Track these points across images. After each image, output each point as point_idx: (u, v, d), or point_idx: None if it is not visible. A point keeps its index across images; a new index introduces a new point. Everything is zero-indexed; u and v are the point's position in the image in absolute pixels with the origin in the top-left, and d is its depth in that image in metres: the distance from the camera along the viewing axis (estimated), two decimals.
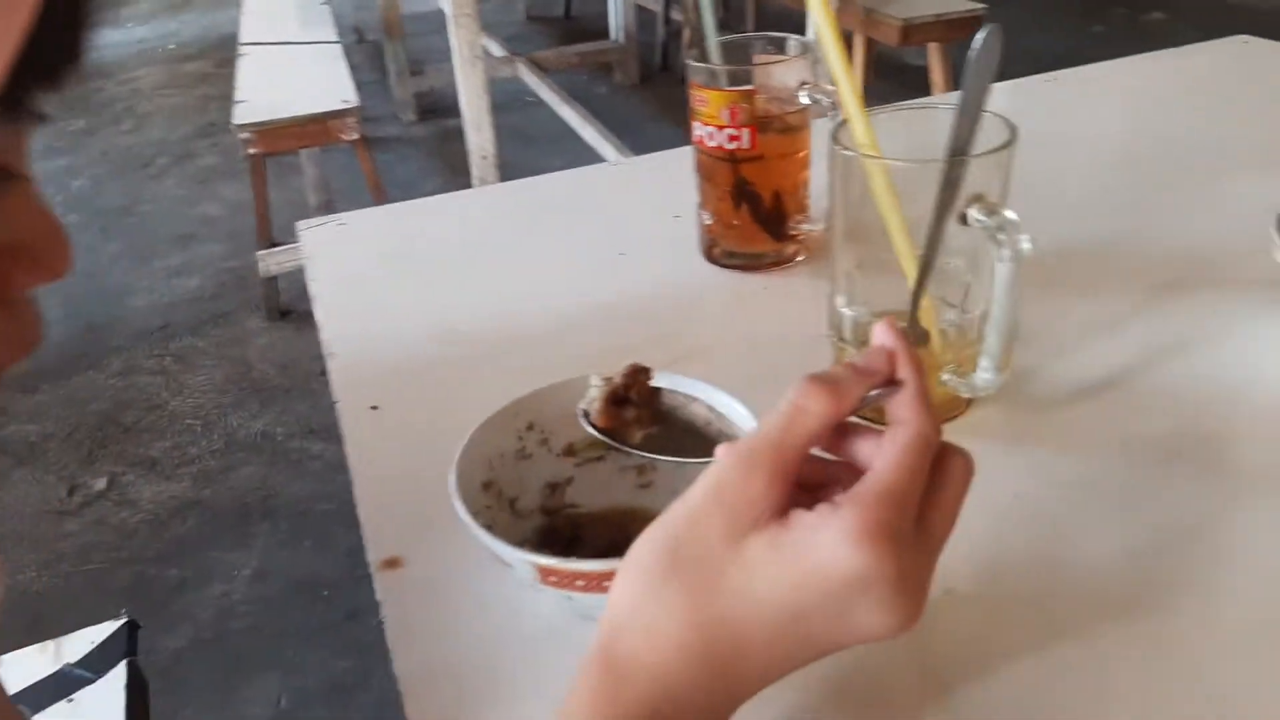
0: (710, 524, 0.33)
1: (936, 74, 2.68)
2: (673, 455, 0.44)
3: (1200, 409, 0.58)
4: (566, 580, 0.41)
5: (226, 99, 2.50)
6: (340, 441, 0.61)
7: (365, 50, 4.71)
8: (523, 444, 0.51)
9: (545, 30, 4.89)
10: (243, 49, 2.83)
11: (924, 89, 2.82)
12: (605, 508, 0.52)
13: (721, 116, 0.70)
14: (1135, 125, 1.01)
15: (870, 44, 2.71)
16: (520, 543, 0.43)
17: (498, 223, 0.89)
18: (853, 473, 0.36)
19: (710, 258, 0.78)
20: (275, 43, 2.90)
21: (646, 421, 0.45)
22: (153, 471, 2.02)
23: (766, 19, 4.07)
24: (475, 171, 2.23)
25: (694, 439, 0.45)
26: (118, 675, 0.89)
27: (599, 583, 0.40)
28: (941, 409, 0.58)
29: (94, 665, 0.90)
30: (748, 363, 0.66)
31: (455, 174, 3.17)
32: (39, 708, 0.87)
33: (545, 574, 0.41)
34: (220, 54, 4.74)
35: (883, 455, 0.34)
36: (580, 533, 0.51)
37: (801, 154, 0.74)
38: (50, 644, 0.92)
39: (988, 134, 0.50)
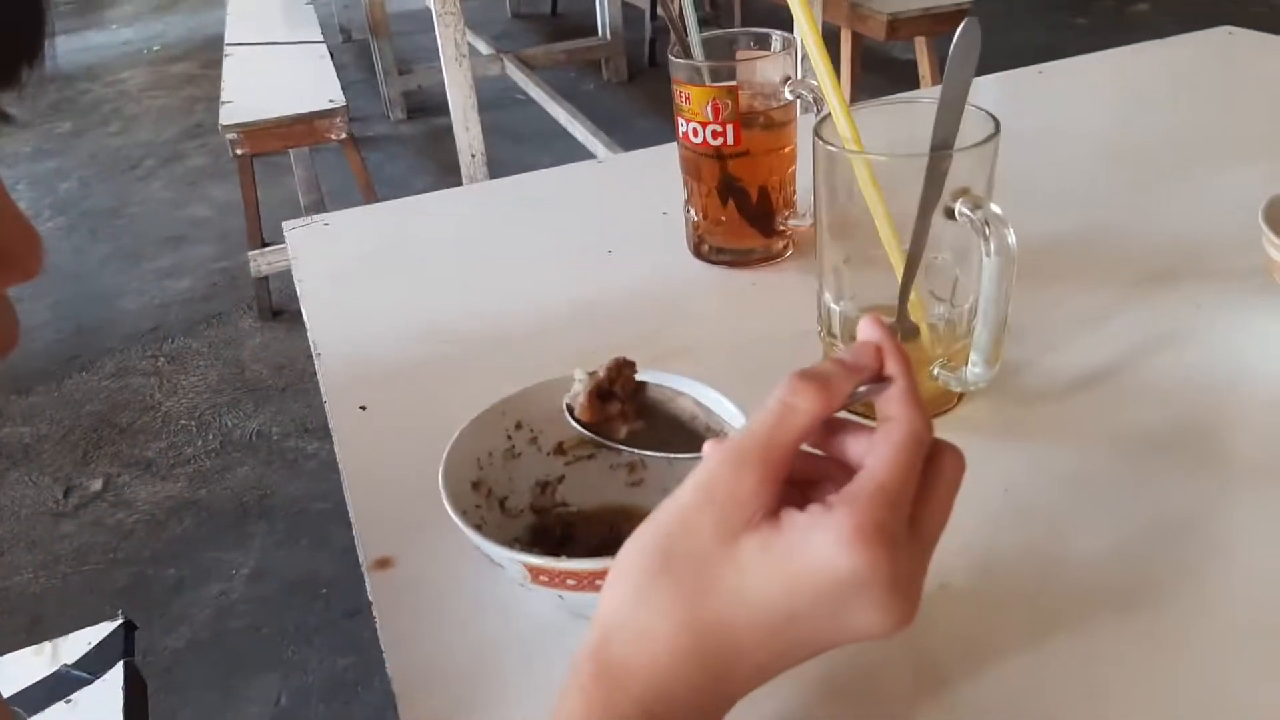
0: (701, 524, 0.33)
1: (924, 68, 2.68)
2: (659, 450, 0.44)
3: (1190, 401, 0.59)
4: (557, 579, 0.41)
5: (213, 100, 2.49)
6: (334, 445, 0.62)
7: (353, 50, 4.70)
8: (512, 443, 0.51)
9: (532, 28, 4.88)
10: (228, 50, 2.82)
11: (912, 83, 2.82)
12: (596, 506, 0.52)
13: (705, 113, 0.71)
14: (1121, 117, 1.02)
15: (857, 38, 2.71)
16: (511, 542, 0.43)
17: (485, 221, 0.89)
18: (843, 469, 0.36)
19: (698, 254, 0.79)
20: (261, 43, 2.89)
21: (631, 416, 0.45)
22: (148, 472, 2.02)
23: (754, 15, 4.07)
24: (465, 170, 2.23)
25: (680, 434, 0.45)
26: (115, 676, 0.89)
27: (590, 581, 0.41)
28: (931, 403, 0.58)
29: (91, 666, 0.90)
30: (737, 359, 0.66)
31: (445, 172, 3.16)
32: (36, 709, 0.87)
33: (536, 573, 0.41)
34: (206, 55, 4.73)
35: (875, 454, 0.34)
36: (571, 531, 0.51)
37: (787, 149, 0.74)
38: (47, 645, 0.92)
39: (972, 128, 0.51)
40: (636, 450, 0.44)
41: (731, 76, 0.70)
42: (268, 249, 2.38)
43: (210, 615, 1.66)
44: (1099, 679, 0.42)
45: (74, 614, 1.66)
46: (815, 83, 0.70)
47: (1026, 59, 1.11)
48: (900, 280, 0.55)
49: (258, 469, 1.99)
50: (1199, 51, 1.15)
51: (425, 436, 0.51)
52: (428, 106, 3.81)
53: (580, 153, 2.83)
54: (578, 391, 0.45)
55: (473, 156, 2.24)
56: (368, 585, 0.50)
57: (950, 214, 0.50)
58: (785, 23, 0.78)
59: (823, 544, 0.31)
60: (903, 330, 0.56)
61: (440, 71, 2.12)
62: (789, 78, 0.71)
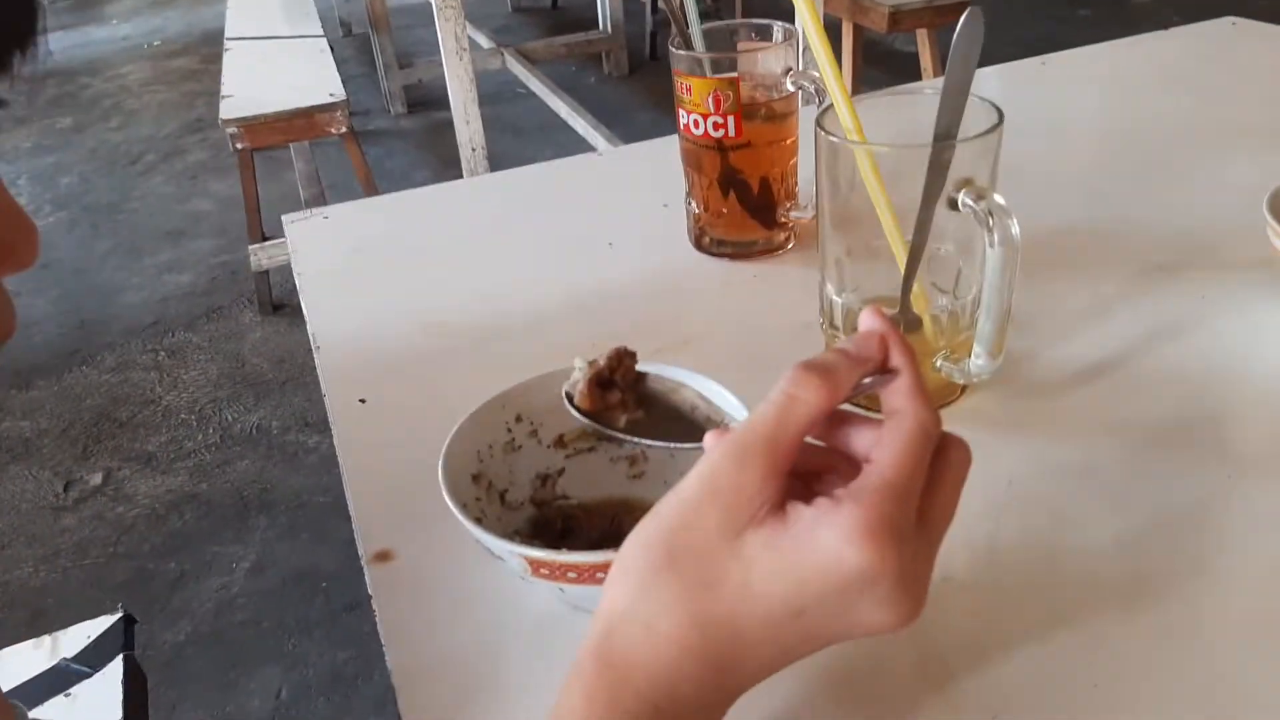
0: (705, 519, 0.33)
1: (926, 60, 2.67)
2: (659, 440, 0.43)
3: (1196, 393, 0.58)
4: (558, 572, 0.41)
5: (213, 95, 2.49)
6: (334, 437, 0.61)
7: (353, 44, 4.69)
8: (512, 436, 0.51)
9: (532, 21, 4.87)
10: (228, 44, 2.81)
11: (913, 76, 2.82)
12: (597, 499, 0.52)
13: (706, 104, 0.70)
14: (1125, 108, 1.01)
15: (858, 31, 2.70)
16: (511, 535, 0.43)
17: (485, 214, 0.89)
18: (848, 461, 0.36)
19: (699, 246, 0.78)
20: (260, 37, 2.88)
21: (631, 406, 0.44)
22: (149, 466, 2.01)
23: (756, 6, 4.06)
24: (465, 164, 2.23)
25: (680, 424, 0.44)
26: (115, 669, 0.89)
27: (591, 574, 0.41)
28: (934, 396, 0.58)
29: (90, 660, 0.90)
30: (738, 351, 0.66)
31: (446, 166, 3.16)
32: (36, 703, 0.87)
33: (536, 566, 0.41)
34: (205, 49, 4.72)
35: (883, 448, 0.33)
36: (572, 524, 0.51)
37: (789, 141, 0.74)
38: (46, 639, 0.92)
39: (975, 118, 0.50)
40: (636, 439, 0.44)
41: (733, 68, 0.70)
42: (268, 243, 2.38)
43: (211, 609, 1.66)
44: (1105, 671, 0.42)
45: (74, 608, 1.66)
46: (817, 74, 0.70)
47: (1029, 50, 1.11)
48: (903, 272, 0.54)
49: (258, 463, 1.99)
50: (1202, 42, 1.15)
51: (425, 429, 0.51)
52: (428, 100, 3.81)
53: (581, 146, 2.82)
54: (577, 379, 0.45)
55: (473, 150, 2.24)
56: (367, 578, 0.50)
57: (953, 205, 0.50)
58: (786, 14, 0.77)
59: (830, 539, 0.31)
60: (905, 322, 0.55)
61: (440, 65, 2.11)
62: (790, 69, 0.71)
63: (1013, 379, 0.60)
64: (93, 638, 0.93)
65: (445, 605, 0.48)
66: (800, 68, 0.71)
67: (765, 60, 0.71)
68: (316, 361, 0.68)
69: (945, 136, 0.49)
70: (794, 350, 0.64)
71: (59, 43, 5.14)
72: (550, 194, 0.92)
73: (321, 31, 2.91)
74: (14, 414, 2.21)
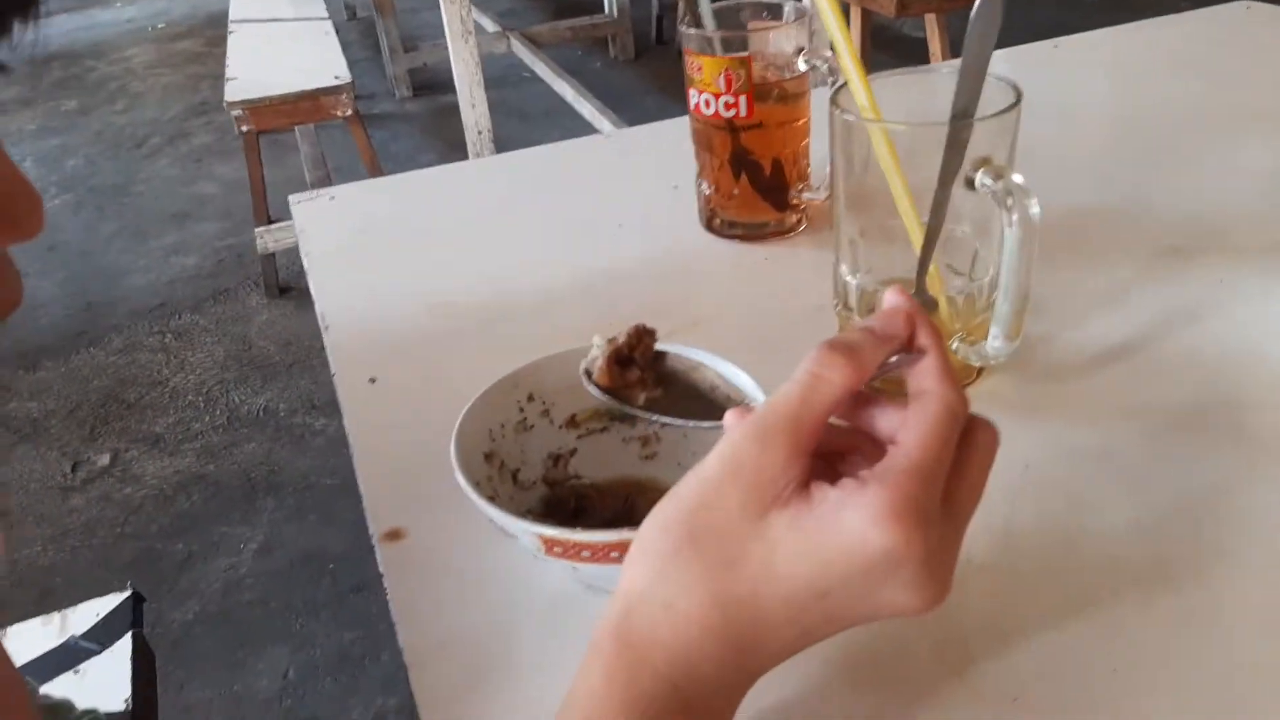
0: (727, 499, 0.32)
1: (935, 45, 2.65)
2: (678, 418, 0.43)
3: (1213, 377, 0.58)
4: (572, 551, 0.41)
5: (218, 77, 2.48)
6: (343, 416, 0.61)
7: (358, 27, 4.68)
8: (524, 415, 0.51)
9: (538, 5, 4.85)
10: (233, 26, 2.80)
11: (922, 61, 2.80)
12: (609, 479, 0.52)
13: (717, 84, 0.70)
14: (1138, 92, 1.00)
15: (866, 15, 2.68)
16: (524, 514, 0.43)
17: (493, 195, 0.88)
18: (872, 441, 0.35)
19: (710, 228, 0.78)
20: (265, 20, 2.87)
21: (650, 384, 0.44)
22: (156, 447, 2.02)
23: None
24: (471, 147, 2.22)
25: (699, 403, 0.44)
26: (123, 647, 0.89)
27: (606, 553, 0.40)
28: None
29: (99, 637, 0.91)
30: (750, 333, 0.65)
31: (451, 150, 3.15)
32: (45, 679, 0.87)
33: (550, 545, 0.41)
34: (210, 32, 4.71)
35: (909, 429, 0.33)
36: (585, 504, 0.51)
37: (801, 122, 0.73)
38: (55, 616, 0.93)
39: (992, 97, 0.50)
40: (655, 416, 0.43)
41: (744, 47, 0.69)
42: (274, 226, 2.37)
43: (218, 589, 1.66)
44: (1123, 656, 0.42)
45: (83, 587, 1.66)
46: (830, 53, 0.69)
47: (1039, 35, 1.10)
48: (918, 253, 0.54)
49: (265, 445, 1.99)
50: (1215, 27, 1.14)
51: (435, 408, 0.51)
52: (434, 84, 3.79)
53: (586, 130, 2.81)
54: (596, 356, 0.44)
55: (479, 134, 2.23)
56: (378, 556, 0.50)
57: (970, 184, 0.50)
58: None
59: (855, 521, 0.31)
60: (921, 304, 0.55)
61: (445, 49, 2.10)
62: (802, 48, 0.70)
63: (1029, 362, 0.59)
64: (101, 615, 0.93)
65: (456, 584, 0.48)
66: (812, 47, 0.70)
67: (777, 39, 0.70)
68: (325, 341, 0.68)
69: (963, 115, 0.48)
70: (805, 333, 0.64)
71: (64, 25, 5.12)
72: (558, 175, 0.91)
73: (326, 14, 2.90)
74: (21, 395, 2.21)
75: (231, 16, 2.91)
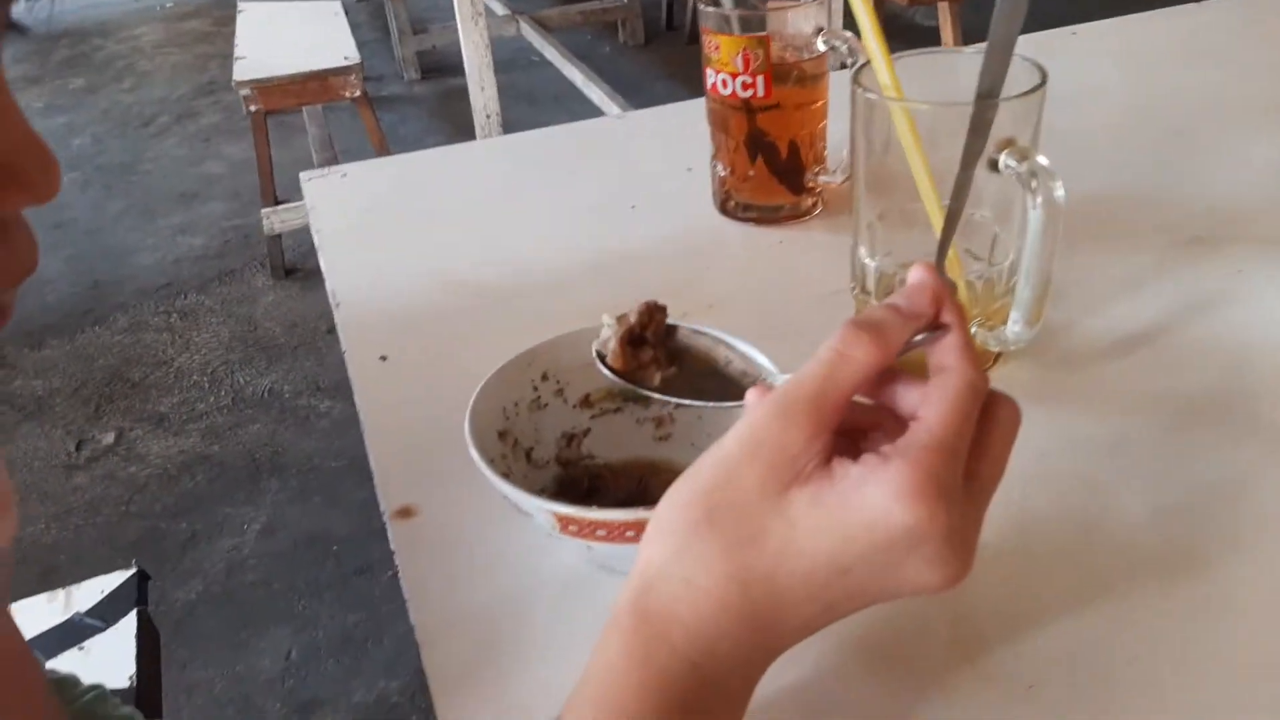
0: (747, 476, 0.32)
1: (947, 34, 2.63)
2: (693, 398, 0.42)
3: (1232, 366, 0.57)
4: (587, 530, 0.40)
5: (225, 57, 2.48)
6: (349, 399, 0.61)
7: (366, 9, 4.66)
8: (538, 394, 0.50)
9: None
10: (241, 6, 2.79)
11: None
12: (623, 459, 0.51)
13: (735, 64, 0.69)
14: (1157, 80, 0.99)
15: (879, 3, 2.66)
16: (538, 492, 0.42)
17: (504, 175, 0.88)
18: (894, 418, 0.35)
19: (725, 211, 0.77)
20: None
21: (664, 363, 0.43)
22: (160, 427, 2.02)
23: None
24: (479, 131, 2.21)
25: (715, 381, 0.43)
26: (128, 625, 0.89)
27: (621, 533, 0.40)
28: None
29: (104, 614, 0.90)
30: (765, 316, 0.65)
31: (459, 133, 3.14)
32: (49, 655, 0.87)
33: (565, 523, 0.40)
34: (218, 12, 4.69)
35: (931, 405, 0.32)
36: (598, 484, 0.50)
37: (819, 104, 0.72)
38: (60, 593, 0.92)
39: (1017, 78, 0.49)
40: (674, 398, 0.42)
41: (763, 26, 0.68)
42: (280, 207, 2.37)
43: (222, 569, 1.66)
44: (1140, 645, 0.41)
45: (86, 565, 1.66)
46: (849, 33, 0.68)
47: (1051, 23, 1.08)
48: (938, 236, 0.53)
49: (270, 426, 1.99)
50: (1234, 16, 1.12)
51: (446, 386, 0.50)
52: (442, 67, 3.78)
53: (595, 115, 2.79)
54: (608, 338, 0.43)
55: (488, 117, 2.22)
56: (390, 534, 0.49)
57: (994, 166, 0.49)
58: None
59: (877, 497, 0.30)
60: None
61: (455, 31, 2.09)
62: (822, 28, 0.69)
63: (1046, 349, 0.59)
64: (106, 592, 0.93)
65: (468, 562, 0.48)
66: (831, 27, 0.69)
67: (796, 19, 0.69)
68: (336, 318, 0.67)
69: (988, 95, 0.48)
70: (820, 317, 0.63)
71: (73, 3, 5.11)
72: (572, 156, 0.90)
73: None
74: (27, 373, 2.21)
75: None
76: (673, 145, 0.88)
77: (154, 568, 1.62)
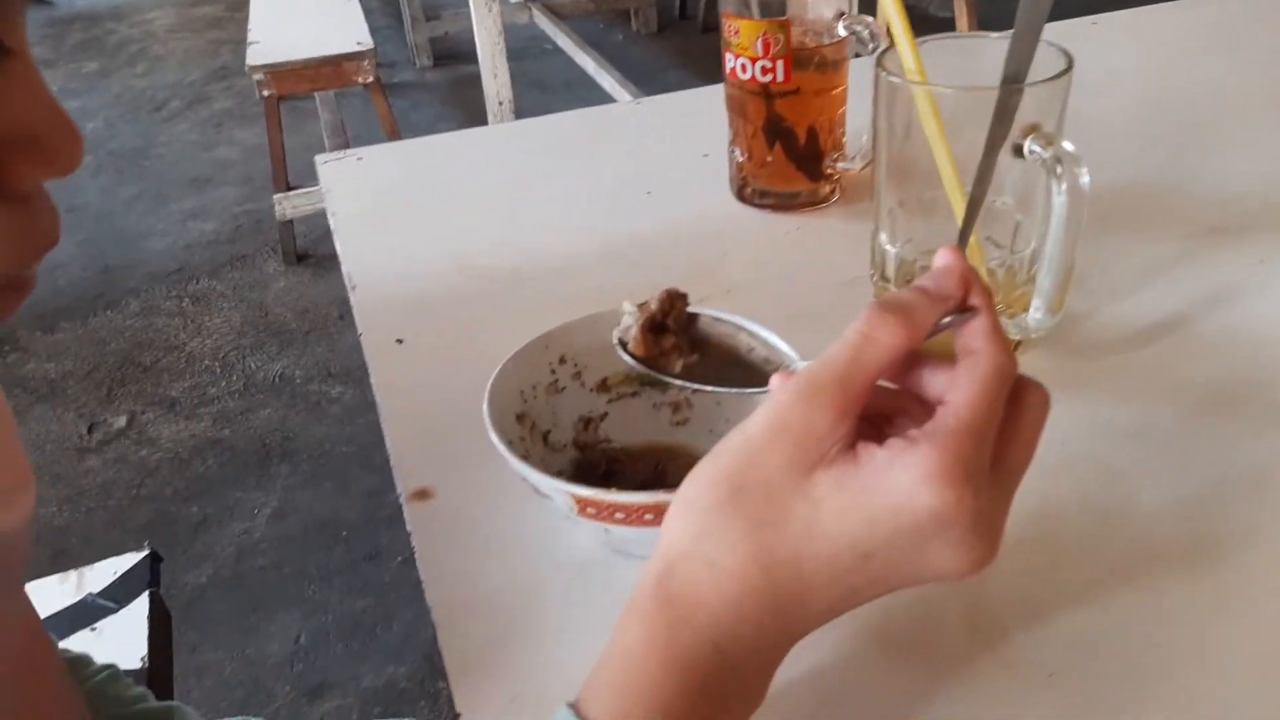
0: (772, 457, 0.32)
1: (963, 25, 2.62)
2: (715, 384, 0.42)
3: (1253, 356, 0.57)
4: (605, 512, 0.40)
5: (238, 43, 2.48)
6: (359, 386, 0.61)
7: None
8: (555, 377, 0.50)
9: None
10: None
11: None
12: (640, 444, 0.51)
13: (754, 48, 0.68)
14: (1178, 70, 0.98)
15: None
16: (555, 475, 0.42)
17: (520, 160, 0.87)
18: (920, 404, 0.34)
19: (741, 197, 0.77)
20: None
21: (685, 350, 0.43)
22: (172, 411, 2.02)
23: None
24: (491, 118, 2.21)
25: (737, 368, 0.43)
26: (140, 606, 0.90)
27: (640, 516, 0.40)
28: None
29: (116, 595, 0.91)
30: (783, 303, 0.64)
31: (471, 120, 3.14)
32: (61, 636, 0.88)
33: (584, 505, 0.40)
34: None
35: (958, 389, 0.32)
36: (615, 468, 0.50)
37: (838, 90, 0.72)
38: (73, 574, 0.93)
39: (1042, 64, 0.48)
40: (696, 385, 0.42)
41: (783, 11, 0.68)
42: (293, 192, 2.37)
43: (232, 553, 1.67)
44: (1160, 632, 0.41)
45: (97, 548, 1.67)
46: (870, 18, 0.68)
47: (1074, 12, 1.07)
48: (960, 223, 0.53)
49: (281, 411, 2.00)
50: (1256, 4, 1.11)
51: (463, 369, 0.50)
52: (455, 54, 3.77)
53: (608, 103, 2.79)
54: (629, 325, 0.43)
55: (500, 104, 2.21)
56: (406, 516, 0.49)
57: (1018, 152, 0.48)
58: None
59: (904, 480, 0.30)
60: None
61: (467, 18, 2.08)
62: (843, 13, 0.68)
63: (1067, 337, 0.58)
64: (119, 574, 0.93)
65: (484, 545, 0.47)
66: (852, 13, 0.69)
67: (817, 4, 0.69)
68: (352, 301, 0.67)
69: (1014, 79, 0.47)
70: (838, 304, 0.63)
71: None
72: (588, 141, 0.90)
73: None
74: (39, 356, 2.22)
75: None
76: (689, 131, 0.87)
77: (165, 551, 1.62)
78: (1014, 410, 0.33)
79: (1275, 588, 0.43)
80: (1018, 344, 0.57)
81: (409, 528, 0.48)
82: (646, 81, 2.87)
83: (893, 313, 0.32)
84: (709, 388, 0.42)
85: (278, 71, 2.22)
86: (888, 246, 0.56)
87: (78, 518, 1.76)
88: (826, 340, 0.34)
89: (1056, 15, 1.05)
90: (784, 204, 0.75)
